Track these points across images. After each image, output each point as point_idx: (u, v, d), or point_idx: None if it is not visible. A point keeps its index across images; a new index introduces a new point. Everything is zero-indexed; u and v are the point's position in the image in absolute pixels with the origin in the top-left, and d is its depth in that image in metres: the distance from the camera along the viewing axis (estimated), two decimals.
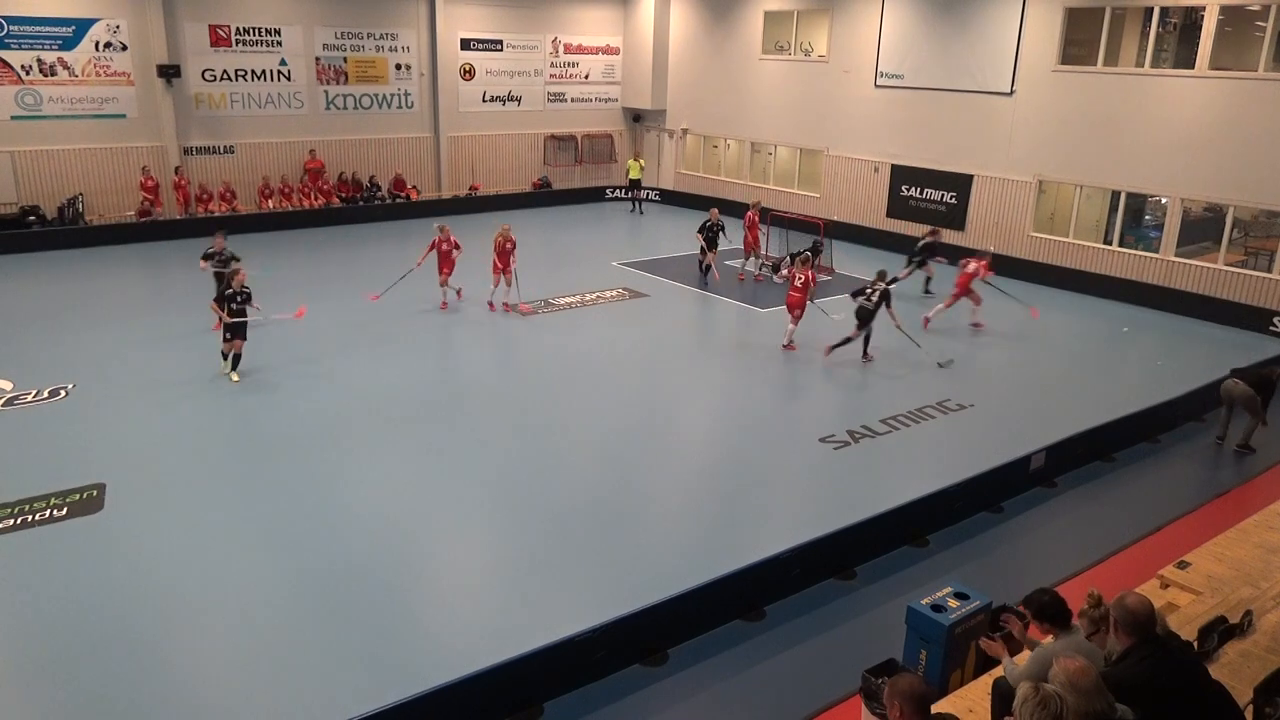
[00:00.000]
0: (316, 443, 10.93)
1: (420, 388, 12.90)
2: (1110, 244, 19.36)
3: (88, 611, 7.58)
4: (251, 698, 6.70)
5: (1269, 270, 17.30)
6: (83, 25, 20.92)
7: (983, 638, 5.96)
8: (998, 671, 5.60)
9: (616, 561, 8.58)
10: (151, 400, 12.10)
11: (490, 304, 16.53)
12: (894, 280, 17.54)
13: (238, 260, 14.53)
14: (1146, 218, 19.76)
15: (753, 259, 19.57)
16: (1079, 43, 19.54)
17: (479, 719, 6.39)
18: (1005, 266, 18.68)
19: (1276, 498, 8.75)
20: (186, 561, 8.35)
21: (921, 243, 18.43)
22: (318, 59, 24.13)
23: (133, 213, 21.86)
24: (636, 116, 30.06)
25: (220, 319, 12.43)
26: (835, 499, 9.90)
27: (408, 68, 25.62)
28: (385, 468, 10.36)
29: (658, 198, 28.79)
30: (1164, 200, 18.62)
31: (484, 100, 27.23)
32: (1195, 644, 5.62)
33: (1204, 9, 17.30)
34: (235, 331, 12.53)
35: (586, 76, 29.09)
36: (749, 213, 19.35)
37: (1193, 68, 17.66)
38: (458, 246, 16.13)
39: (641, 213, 27.27)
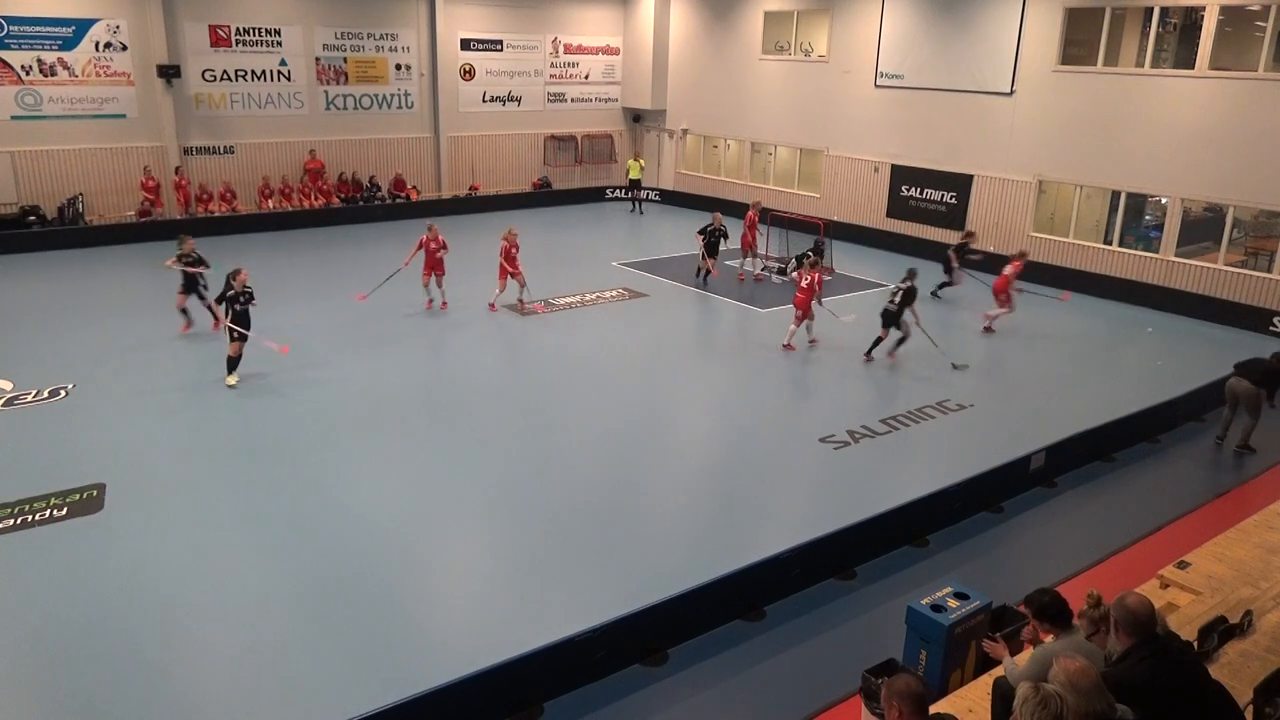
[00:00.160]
0: (316, 443, 10.93)
1: (420, 388, 12.90)
2: (1110, 244, 19.36)
3: (87, 611, 7.58)
4: (251, 697, 6.70)
5: (1269, 270, 17.30)
6: (83, 25, 20.93)
7: (985, 639, 5.97)
8: (998, 671, 5.60)
9: (616, 561, 8.58)
10: (151, 400, 12.10)
11: (492, 305, 16.51)
12: (945, 284, 17.62)
13: (206, 265, 14.36)
14: (1146, 218, 19.76)
15: (751, 258, 19.57)
16: (1079, 43, 19.54)
17: (479, 719, 6.39)
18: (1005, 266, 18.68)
19: (1276, 498, 8.74)
20: (186, 562, 8.35)
21: (955, 245, 18.21)
22: (318, 59, 24.13)
23: (133, 213, 21.86)
24: (636, 116, 30.06)
25: (221, 321, 12.33)
26: (835, 499, 9.90)
27: (408, 68, 25.63)
28: (385, 467, 10.36)
29: (658, 198, 28.79)
30: (1164, 200, 18.62)
31: (484, 100, 27.23)
32: (1195, 644, 5.62)
33: (1204, 9, 17.30)
34: (242, 332, 12.47)
35: (586, 76, 29.09)
36: (749, 213, 19.36)
37: (1193, 68, 17.66)
38: (445, 247, 15.96)
39: (641, 213, 27.27)
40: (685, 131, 28.90)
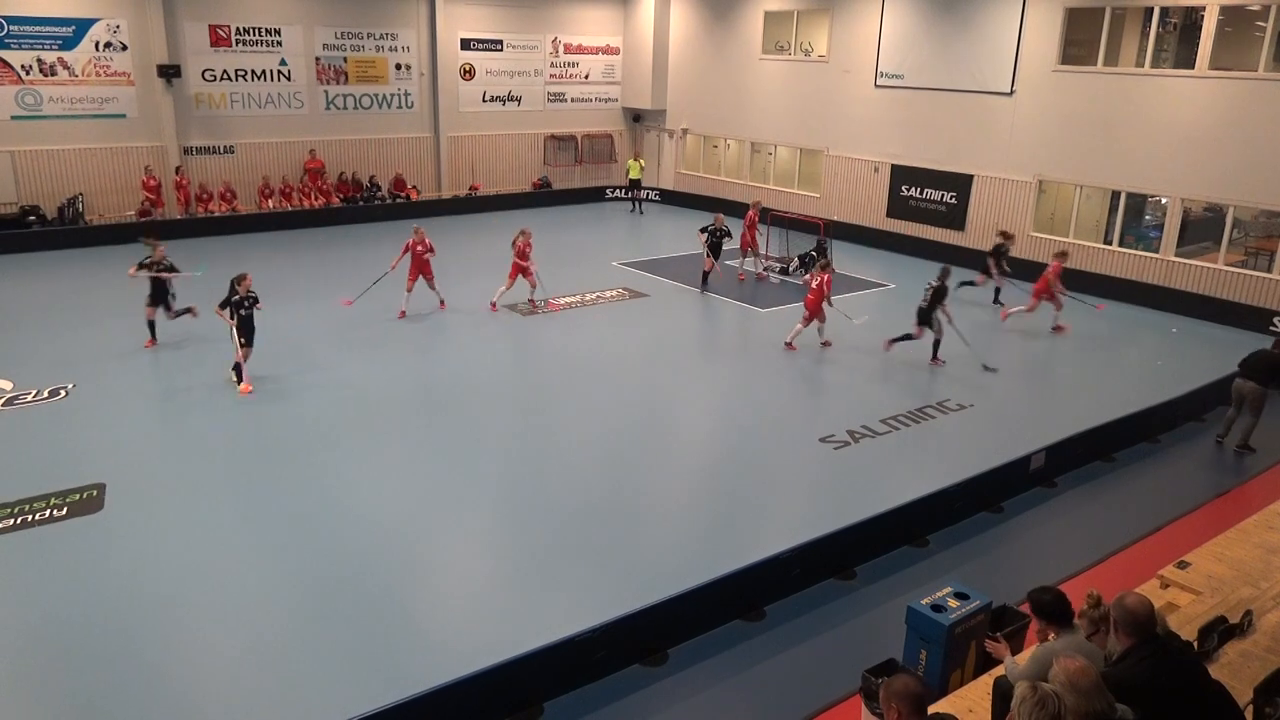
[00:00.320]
0: (316, 443, 10.93)
1: (420, 388, 12.91)
2: (1110, 244, 19.35)
3: (87, 611, 7.58)
4: (251, 698, 6.70)
5: (1269, 270, 17.30)
6: (83, 25, 20.93)
7: (986, 638, 5.97)
8: (998, 671, 5.60)
9: (616, 561, 8.59)
10: (151, 400, 12.10)
11: (493, 305, 16.50)
12: (968, 283, 17.55)
13: (176, 271, 13.89)
14: (1146, 217, 19.76)
15: (752, 257, 19.58)
16: (1079, 43, 19.54)
17: (479, 719, 6.39)
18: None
19: (1276, 498, 8.74)
20: (186, 562, 8.35)
21: (994, 245, 18.02)
22: (318, 59, 24.13)
23: (133, 213, 21.86)
24: (636, 116, 30.06)
25: (229, 324, 12.25)
26: (835, 499, 9.90)
27: (408, 68, 25.62)
28: (385, 467, 10.36)
29: (658, 198, 28.79)
30: (1164, 200, 18.62)
31: (484, 100, 27.23)
32: (1195, 644, 5.62)
33: (1204, 9, 17.30)
34: (247, 337, 12.41)
35: (586, 76, 29.09)
36: (749, 212, 19.36)
37: (1193, 68, 17.66)
38: (431, 250, 15.74)
39: (641, 213, 27.27)
40: (685, 131, 28.90)
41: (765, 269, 20.01)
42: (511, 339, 15.33)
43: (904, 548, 8.92)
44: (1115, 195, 19.22)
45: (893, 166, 23.05)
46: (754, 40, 26.09)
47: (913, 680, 4.16)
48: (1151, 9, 18.24)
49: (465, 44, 26.47)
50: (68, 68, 20.90)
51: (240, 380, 12.36)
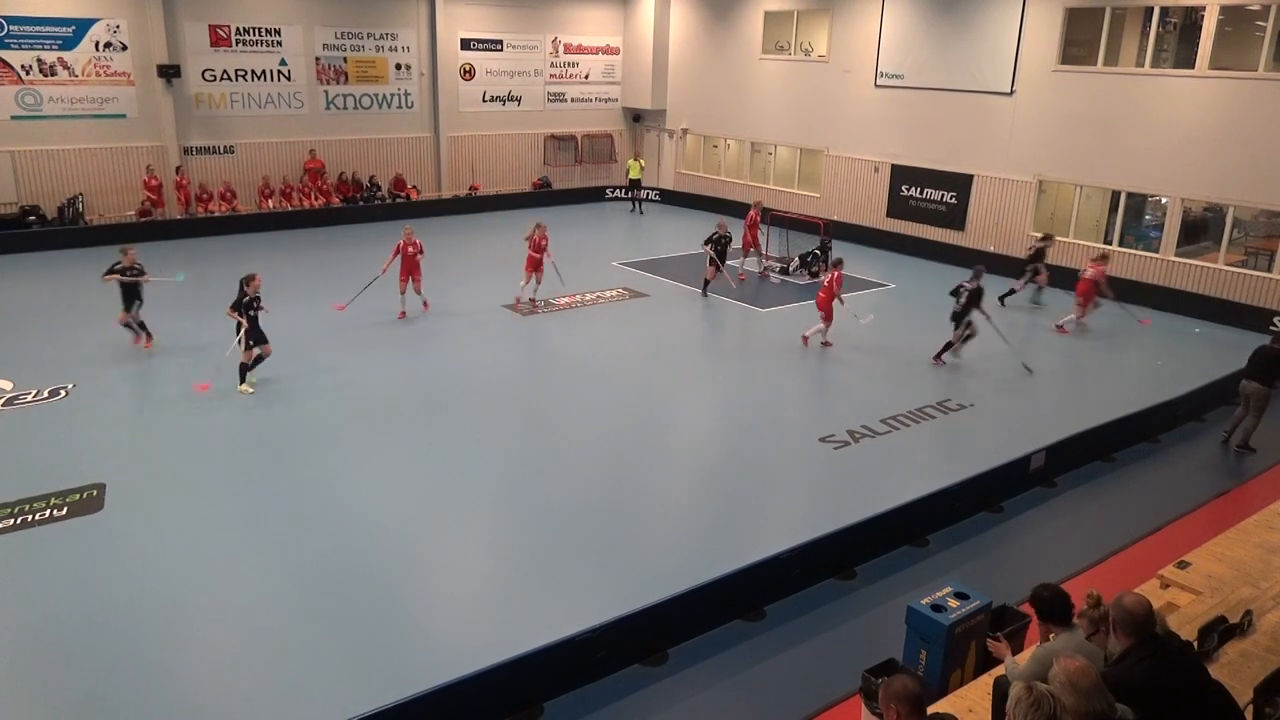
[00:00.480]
0: (316, 443, 10.93)
1: (420, 388, 12.90)
2: (1110, 244, 19.34)
3: (88, 611, 7.58)
4: (251, 698, 6.70)
5: (1269, 270, 17.31)
6: (83, 25, 20.92)
7: (988, 638, 5.97)
8: (998, 671, 5.60)
9: (616, 561, 8.59)
10: (151, 400, 12.11)
11: (517, 301, 16.58)
12: (1010, 292, 17.58)
13: (145, 274, 13.68)
14: (1146, 217, 19.76)
15: (755, 257, 19.55)
16: (1079, 43, 19.54)
17: (479, 719, 6.39)
18: (1006, 267, 18.71)
19: (1276, 498, 8.75)
20: (187, 561, 8.35)
21: (1033, 249, 17.99)
22: (318, 59, 24.13)
23: (133, 213, 21.86)
24: (636, 116, 30.05)
25: (240, 324, 12.19)
26: (835, 499, 9.90)
27: (408, 68, 25.62)
28: (385, 468, 10.35)
29: (658, 198, 28.79)
30: (1164, 200, 18.62)
31: (484, 100, 27.23)
32: (1195, 644, 5.62)
33: (1204, 9, 17.30)
34: (257, 338, 12.39)
35: (586, 76, 29.09)
36: (751, 212, 19.35)
37: (1193, 68, 17.66)
38: (421, 250, 15.69)
39: (641, 213, 27.26)
40: (685, 131, 28.90)
41: (766, 269, 20.02)
42: (511, 339, 15.32)
43: (904, 548, 8.92)
44: (1115, 195, 19.23)
45: (893, 166, 23.05)
46: (754, 40, 26.09)
47: (912, 680, 4.16)
48: (1151, 9, 18.24)
49: (465, 44, 26.47)
50: (68, 68, 20.90)
51: (243, 380, 12.36)
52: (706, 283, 18.00)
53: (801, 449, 11.13)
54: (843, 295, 14.69)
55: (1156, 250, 18.62)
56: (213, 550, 8.55)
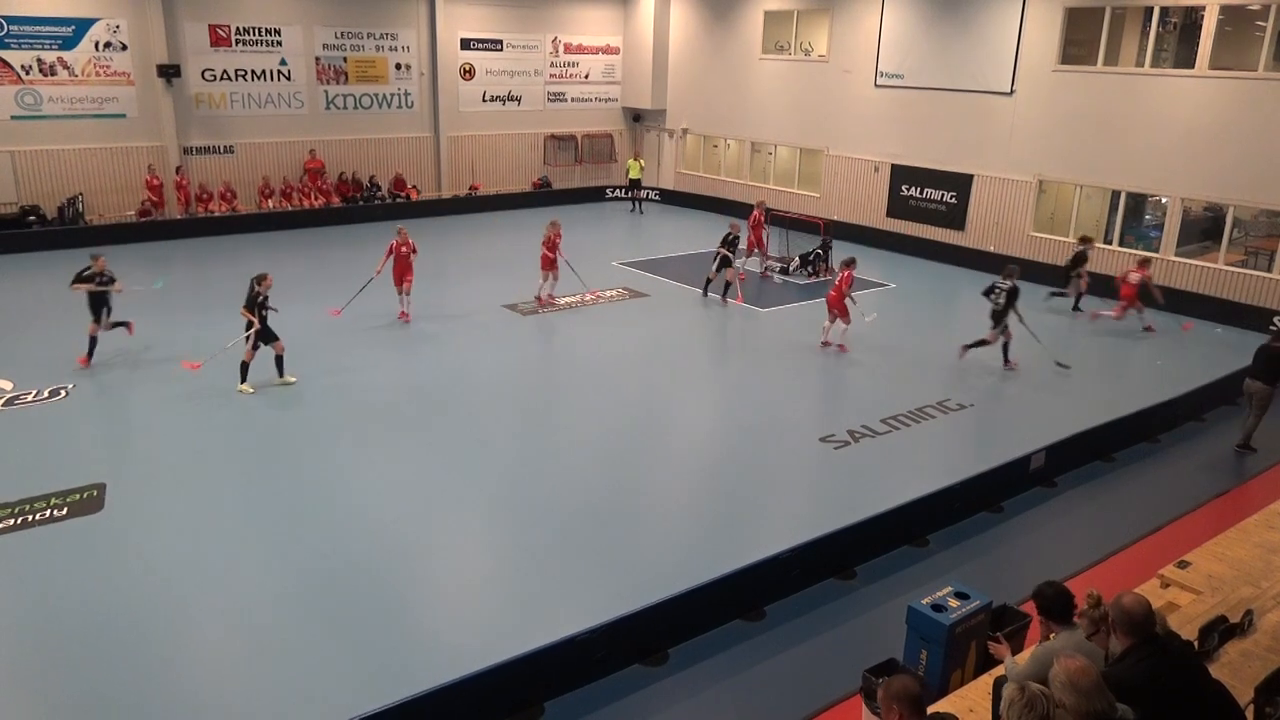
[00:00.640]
0: (316, 443, 10.93)
1: (420, 389, 12.90)
2: (1110, 244, 19.34)
3: (88, 611, 7.58)
4: (251, 697, 6.70)
5: (1269, 270, 17.30)
6: (83, 25, 20.92)
7: (988, 639, 5.96)
8: (998, 671, 5.60)
9: (616, 561, 8.59)
10: (151, 400, 12.10)
11: (539, 299, 16.67)
12: (1058, 294, 17.55)
13: (114, 282, 13.22)
14: (1146, 217, 19.76)
15: (759, 257, 19.54)
16: (1079, 43, 19.54)
17: (479, 719, 6.39)
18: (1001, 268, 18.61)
19: (1276, 498, 8.74)
20: (187, 561, 8.35)
21: (1074, 253, 17.75)
22: (318, 59, 24.13)
23: (133, 213, 21.86)
24: (636, 116, 30.05)
25: (253, 325, 12.15)
26: (835, 499, 9.90)
27: (408, 67, 25.62)
28: (385, 468, 10.35)
29: (658, 197, 28.79)
30: (1164, 200, 18.62)
31: (484, 100, 27.22)
32: (1195, 644, 5.61)
33: (1204, 9, 17.30)
34: (268, 336, 12.36)
35: (586, 76, 29.08)
36: (754, 212, 19.33)
37: (1193, 68, 17.66)
38: (415, 250, 15.62)
39: (641, 212, 27.26)
40: (685, 131, 28.90)
41: (766, 268, 20.02)
42: (511, 339, 15.31)
43: (904, 548, 8.92)
44: (1115, 195, 19.22)
45: (893, 166, 23.05)
46: (754, 40, 26.08)
47: (912, 680, 4.15)
48: (1151, 9, 18.24)
49: (465, 44, 26.47)
50: (68, 68, 20.89)
51: (244, 380, 12.36)
52: (728, 285, 17.61)
53: (802, 449, 11.13)
54: (852, 294, 14.69)
55: (1156, 250, 18.61)
56: (213, 550, 8.55)
